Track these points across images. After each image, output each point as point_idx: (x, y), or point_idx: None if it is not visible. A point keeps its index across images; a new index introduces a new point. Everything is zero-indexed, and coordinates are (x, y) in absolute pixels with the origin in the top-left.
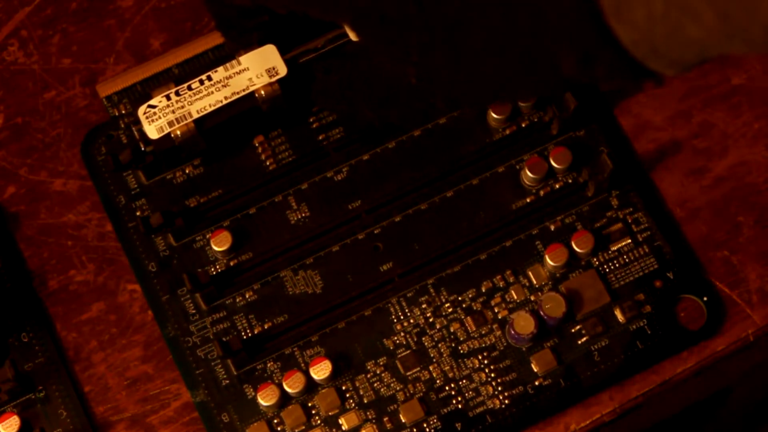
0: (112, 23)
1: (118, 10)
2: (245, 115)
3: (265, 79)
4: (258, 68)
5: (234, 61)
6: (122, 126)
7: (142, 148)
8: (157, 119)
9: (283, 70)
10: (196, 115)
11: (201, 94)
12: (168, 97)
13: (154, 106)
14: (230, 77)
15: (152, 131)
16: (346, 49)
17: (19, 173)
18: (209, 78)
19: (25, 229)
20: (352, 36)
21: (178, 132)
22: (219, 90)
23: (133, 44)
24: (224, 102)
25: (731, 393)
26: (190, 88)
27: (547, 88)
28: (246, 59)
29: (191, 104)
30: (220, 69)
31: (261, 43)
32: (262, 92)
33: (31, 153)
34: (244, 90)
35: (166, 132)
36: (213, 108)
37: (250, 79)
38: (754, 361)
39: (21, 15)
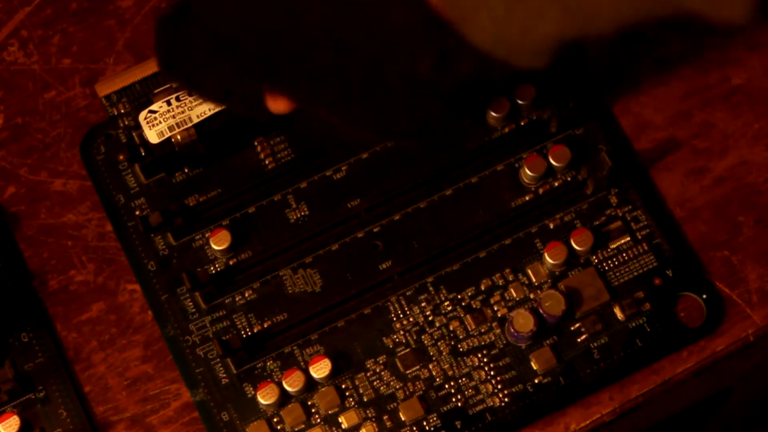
0: (112, 23)
1: (118, 10)
2: (245, 120)
3: None
4: None
5: None
6: (121, 125)
7: (142, 153)
8: (158, 124)
9: None
10: (196, 120)
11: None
12: (168, 102)
13: (154, 111)
14: None
15: (152, 136)
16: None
17: (19, 173)
18: None
19: (25, 229)
20: None
21: (179, 137)
22: None
23: (133, 44)
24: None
25: (731, 393)
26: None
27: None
28: None
29: (191, 110)
30: None
31: None
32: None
33: (31, 153)
34: None
35: (166, 136)
36: (212, 113)
37: None
38: (754, 361)
39: (21, 15)
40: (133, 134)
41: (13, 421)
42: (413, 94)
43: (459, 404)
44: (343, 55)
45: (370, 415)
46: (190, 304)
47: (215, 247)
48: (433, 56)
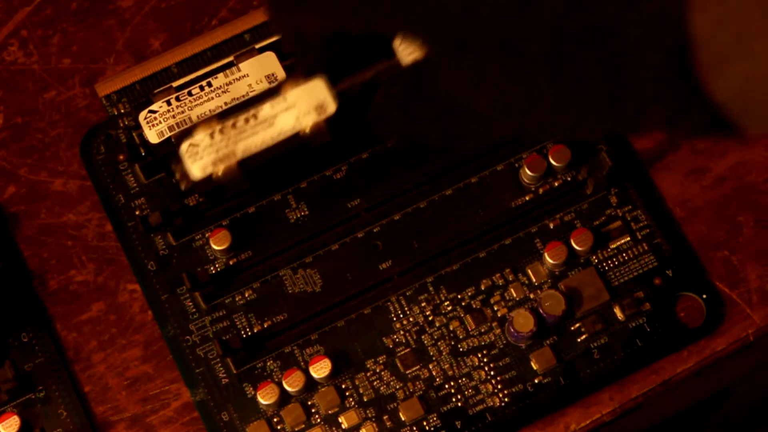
0: (112, 23)
1: (118, 10)
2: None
3: (265, 85)
4: (258, 74)
5: (234, 68)
6: (121, 125)
7: (143, 153)
8: (158, 124)
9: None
10: (196, 120)
11: (202, 99)
12: (168, 102)
13: (154, 111)
14: (230, 83)
15: (153, 136)
16: (403, 69)
17: (19, 173)
18: (209, 84)
19: (25, 229)
20: (406, 59)
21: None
22: (219, 95)
23: (133, 44)
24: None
25: (731, 393)
26: (190, 93)
27: (623, 128)
28: (246, 66)
29: (191, 110)
30: (221, 75)
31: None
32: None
33: (31, 153)
34: (243, 96)
35: (166, 136)
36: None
37: (249, 85)
38: (754, 361)
39: (21, 15)
40: (133, 134)
41: (13, 421)
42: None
43: (459, 404)
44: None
45: (370, 415)
46: (190, 304)
47: (215, 247)
48: (667, 112)
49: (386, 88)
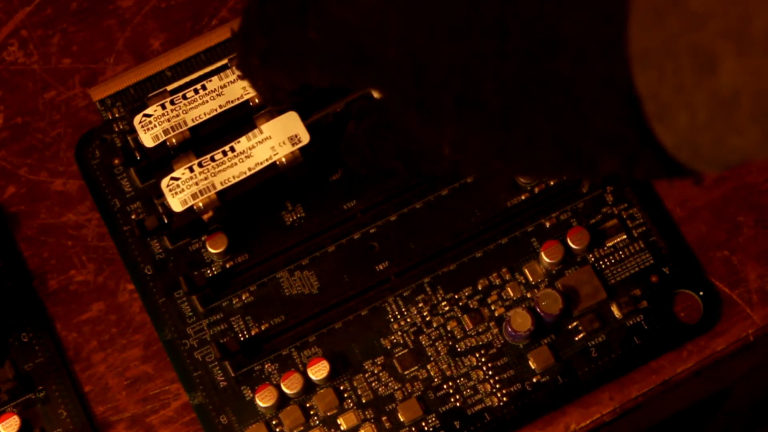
0: (112, 23)
1: (118, 10)
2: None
3: (288, 148)
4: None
5: (228, 71)
6: (116, 130)
7: (138, 157)
8: (153, 127)
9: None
10: (191, 123)
11: (196, 102)
12: (163, 106)
13: (149, 115)
14: (225, 86)
15: (147, 139)
16: (371, 103)
17: (19, 173)
18: (204, 87)
19: (25, 229)
20: (376, 94)
21: (174, 140)
22: (214, 98)
23: (133, 44)
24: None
25: (731, 393)
26: (185, 97)
27: (578, 175)
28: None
29: (186, 113)
30: (215, 78)
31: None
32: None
33: (31, 153)
34: (238, 98)
35: (161, 140)
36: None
37: (244, 87)
38: (754, 361)
39: (21, 15)
40: (128, 138)
41: (13, 421)
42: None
43: (457, 404)
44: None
45: (368, 416)
46: (187, 307)
47: (212, 250)
48: (621, 157)
49: (356, 122)
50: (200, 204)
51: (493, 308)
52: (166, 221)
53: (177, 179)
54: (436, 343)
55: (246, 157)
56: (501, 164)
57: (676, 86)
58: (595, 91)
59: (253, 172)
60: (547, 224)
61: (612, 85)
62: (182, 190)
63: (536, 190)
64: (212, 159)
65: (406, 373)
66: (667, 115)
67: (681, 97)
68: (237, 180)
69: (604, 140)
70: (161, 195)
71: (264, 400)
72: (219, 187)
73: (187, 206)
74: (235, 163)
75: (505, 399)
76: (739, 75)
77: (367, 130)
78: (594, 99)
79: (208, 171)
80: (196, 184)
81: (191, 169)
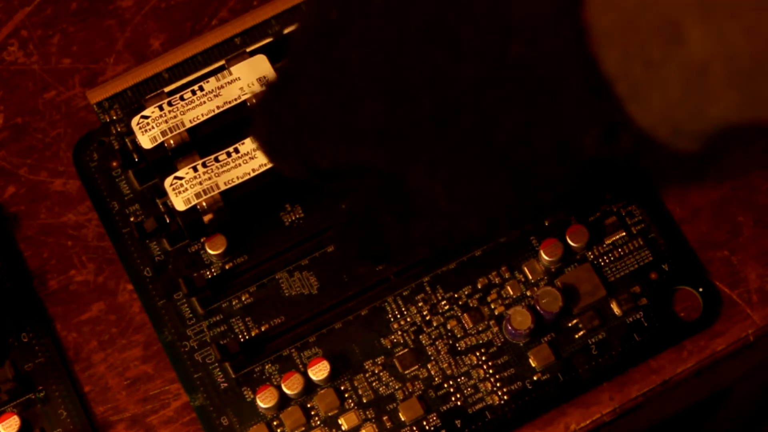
0: (112, 23)
1: (118, 10)
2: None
3: (256, 88)
4: (249, 77)
5: (225, 72)
6: (114, 132)
7: (136, 159)
8: (151, 129)
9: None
10: (189, 125)
11: (194, 104)
12: (161, 108)
13: (147, 117)
14: (222, 87)
15: (145, 141)
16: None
17: (19, 173)
18: (201, 88)
19: (25, 229)
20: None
21: (171, 141)
22: (211, 99)
23: (133, 44)
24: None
25: (731, 393)
26: (182, 98)
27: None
28: (237, 70)
29: (183, 114)
30: (212, 79)
31: None
32: (254, 100)
33: (31, 153)
34: (235, 99)
35: (159, 141)
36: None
37: (241, 88)
38: (754, 361)
39: (21, 15)
40: (126, 140)
41: (13, 421)
42: (558, 168)
43: (458, 403)
44: (487, 121)
45: (369, 416)
46: (187, 309)
47: (211, 252)
48: (602, 128)
49: (350, 204)
50: (203, 203)
51: (492, 307)
52: (168, 221)
53: (181, 179)
54: (437, 343)
55: (250, 158)
56: (502, 203)
57: (645, 62)
58: (556, 70)
59: (256, 173)
60: (546, 222)
61: (571, 60)
62: (186, 190)
63: None
64: (216, 159)
65: (406, 372)
66: (640, 94)
67: (651, 74)
68: (241, 181)
69: (584, 116)
70: (163, 195)
71: (265, 401)
72: (222, 188)
73: (190, 205)
74: (239, 164)
75: (506, 397)
76: (708, 40)
77: (361, 214)
78: (557, 77)
79: (212, 171)
80: (200, 183)
81: (195, 169)
